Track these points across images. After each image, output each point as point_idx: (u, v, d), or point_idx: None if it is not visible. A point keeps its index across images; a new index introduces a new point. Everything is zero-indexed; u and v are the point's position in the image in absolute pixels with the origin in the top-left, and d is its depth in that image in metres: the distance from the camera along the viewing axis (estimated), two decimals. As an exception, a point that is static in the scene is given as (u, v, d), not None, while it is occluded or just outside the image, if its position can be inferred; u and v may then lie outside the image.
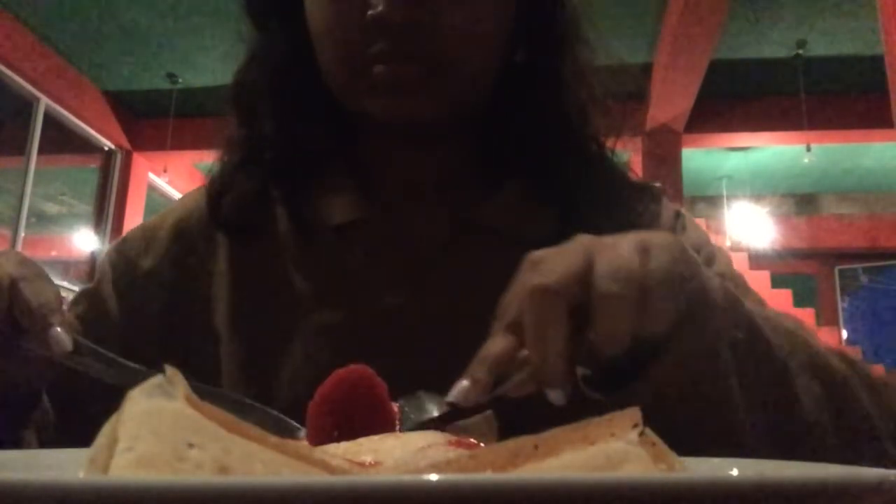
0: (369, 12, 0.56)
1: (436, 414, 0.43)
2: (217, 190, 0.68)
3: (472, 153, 0.69)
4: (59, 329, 0.46)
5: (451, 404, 0.40)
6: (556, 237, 0.64)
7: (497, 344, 0.42)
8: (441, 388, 0.43)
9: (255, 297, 0.65)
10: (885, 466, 0.49)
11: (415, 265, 0.64)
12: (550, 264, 0.42)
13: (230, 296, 0.65)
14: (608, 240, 0.43)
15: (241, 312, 0.65)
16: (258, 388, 0.61)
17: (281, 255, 0.66)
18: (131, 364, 0.48)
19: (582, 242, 0.43)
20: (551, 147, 0.67)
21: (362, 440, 0.34)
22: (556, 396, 0.40)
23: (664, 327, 0.41)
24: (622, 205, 0.67)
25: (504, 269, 0.65)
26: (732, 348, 0.46)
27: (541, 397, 0.41)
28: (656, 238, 0.43)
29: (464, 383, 0.40)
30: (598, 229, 0.62)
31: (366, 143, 0.68)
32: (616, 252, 0.41)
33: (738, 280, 0.67)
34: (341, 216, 0.65)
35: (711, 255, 0.69)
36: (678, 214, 0.72)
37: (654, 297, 0.40)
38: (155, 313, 0.67)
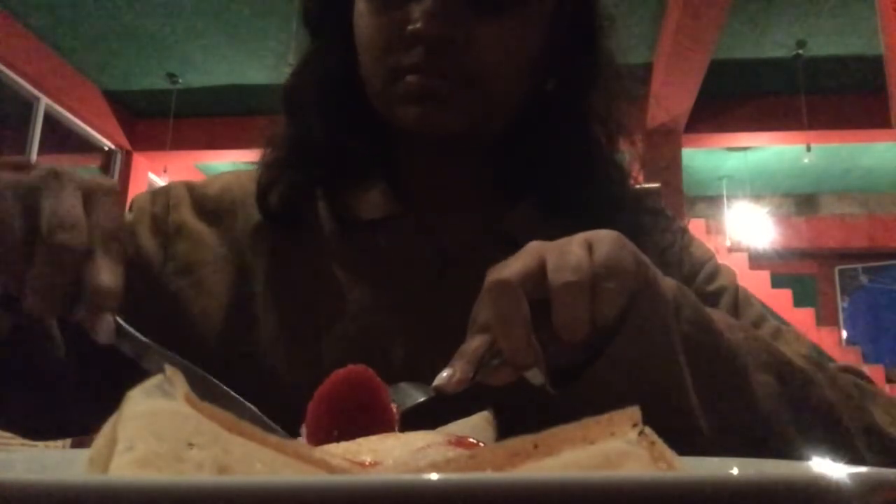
0: (408, 27, 0.62)
1: (421, 399, 0.47)
2: (265, 183, 0.72)
3: (495, 166, 0.74)
4: (111, 319, 0.45)
5: (437, 389, 0.45)
6: None
7: (473, 341, 0.47)
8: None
9: (291, 278, 0.69)
10: (850, 460, 0.52)
11: (439, 263, 0.69)
12: (506, 264, 0.48)
13: (267, 272, 0.69)
14: (557, 241, 0.48)
15: (275, 291, 0.69)
16: (283, 361, 0.65)
17: (318, 243, 0.71)
18: (167, 352, 0.47)
19: (533, 246, 0.49)
20: (571, 170, 0.71)
21: (361, 440, 0.34)
22: (532, 375, 0.45)
23: (616, 310, 0.46)
24: (638, 230, 0.71)
25: None
26: (683, 340, 0.50)
27: (522, 385, 0.46)
28: (600, 233, 0.49)
29: (445, 372, 0.45)
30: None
31: (398, 149, 0.73)
32: (564, 248, 0.47)
33: (742, 293, 0.72)
34: (372, 212, 0.70)
35: (715, 270, 0.74)
36: (683, 231, 0.77)
37: (603, 282, 0.45)
38: (191, 262, 0.70)
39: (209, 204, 0.73)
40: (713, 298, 0.71)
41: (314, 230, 0.72)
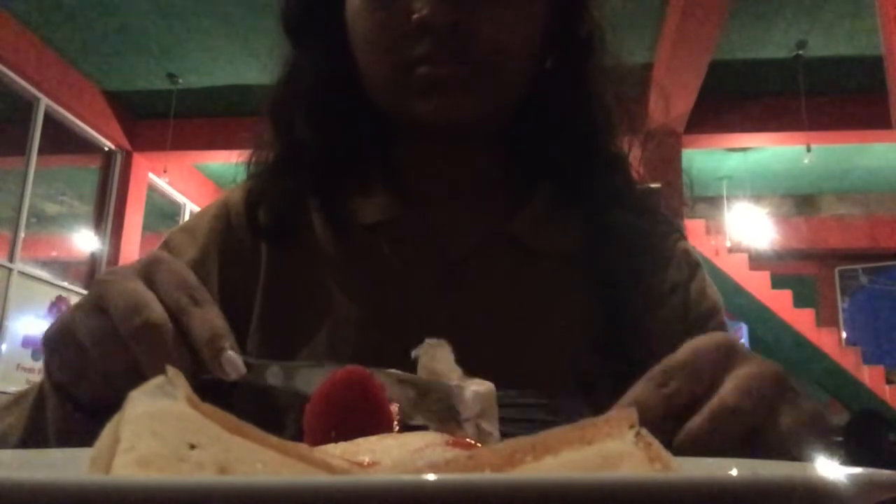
0: (413, 16, 0.59)
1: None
2: (254, 200, 0.69)
3: (502, 162, 0.72)
4: (230, 353, 0.45)
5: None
6: (580, 254, 0.68)
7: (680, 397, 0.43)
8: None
9: (288, 291, 0.67)
10: None
11: (442, 267, 0.67)
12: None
13: (264, 286, 0.67)
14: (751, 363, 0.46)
15: (271, 304, 0.67)
16: None
17: (315, 253, 0.68)
18: (289, 364, 0.47)
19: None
20: (579, 150, 0.69)
21: (360, 440, 0.34)
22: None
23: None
24: (648, 227, 0.71)
25: (527, 281, 0.69)
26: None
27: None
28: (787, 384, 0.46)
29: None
30: (623, 240, 0.67)
31: (400, 148, 0.70)
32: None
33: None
34: (372, 216, 0.68)
35: (721, 322, 0.73)
36: (699, 265, 0.75)
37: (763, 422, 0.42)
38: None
39: (205, 231, 0.70)
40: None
41: (311, 240, 0.69)
